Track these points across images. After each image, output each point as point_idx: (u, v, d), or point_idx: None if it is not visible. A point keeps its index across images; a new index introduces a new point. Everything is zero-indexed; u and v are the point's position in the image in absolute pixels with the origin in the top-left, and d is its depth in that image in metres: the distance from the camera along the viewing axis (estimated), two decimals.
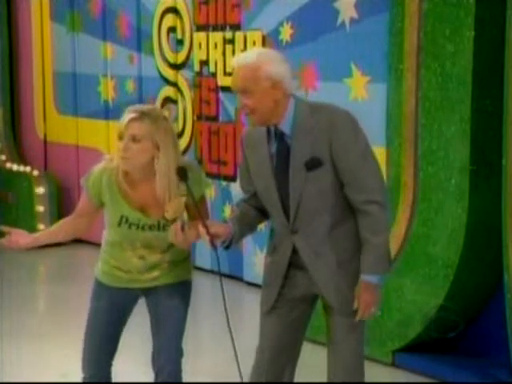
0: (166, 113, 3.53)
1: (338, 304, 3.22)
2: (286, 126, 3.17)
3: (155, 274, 3.46)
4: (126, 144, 3.30)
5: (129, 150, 3.30)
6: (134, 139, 3.30)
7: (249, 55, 3.19)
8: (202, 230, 3.17)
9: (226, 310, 3.27)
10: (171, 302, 3.49)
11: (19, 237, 3.51)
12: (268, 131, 3.22)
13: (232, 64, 3.22)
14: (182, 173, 3.28)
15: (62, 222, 3.57)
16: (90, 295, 3.57)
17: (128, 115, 3.33)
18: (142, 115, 3.31)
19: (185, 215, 3.44)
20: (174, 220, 3.36)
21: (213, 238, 3.17)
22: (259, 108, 3.13)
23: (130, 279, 3.47)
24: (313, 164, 3.13)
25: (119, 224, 3.38)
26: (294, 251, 3.24)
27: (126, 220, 3.37)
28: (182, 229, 3.22)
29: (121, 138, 3.33)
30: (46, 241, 3.59)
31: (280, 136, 3.19)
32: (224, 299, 3.27)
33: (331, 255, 3.21)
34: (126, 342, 3.63)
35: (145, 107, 3.40)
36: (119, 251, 3.46)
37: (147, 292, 3.50)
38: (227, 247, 3.25)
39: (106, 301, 3.51)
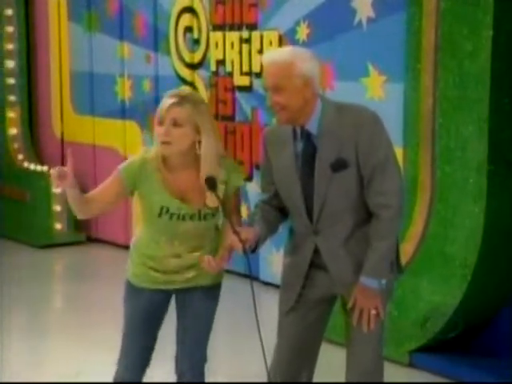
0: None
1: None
2: (312, 126, 3.16)
3: (192, 273, 3.40)
4: (168, 129, 3.24)
5: (170, 134, 3.23)
6: (176, 123, 3.24)
7: (281, 52, 3.18)
8: (233, 237, 3.15)
9: (256, 314, 3.25)
10: (203, 304, 3.45)
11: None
12: (293, 131, 3.22)
13: (263, 61, 3.21)
14: (212, 182, 3.25)
15: (91, 196, 3.40)
16: (124, 298, 3.51)
17: (168, 100, 3.27)
18: (183, 99, 3.26)
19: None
20: (215, 209, 3.32)
21: (244, 243, 3.15)
22: (290, 105, 3.11)
23: (167, 280, 3.41)
24: (338, 165, 3.13)
25: (160, 215, 3.30)
26: (315, 251, 3.23)
27: (167, 210, 3.28)
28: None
29: (161, 123, 3.25)
30: (75, 196, 3.35)
31: (306, 136, 3.18)
32: (255, 305, 3.25)
33: (352, 256, 3.20)
34: None
35: (184, 91, 3.35)
36: (155, 249, 3.38)
37: (180, 291, 3.45)
38: (253, 251, 3.23)
39: (143, 303, 3.44)
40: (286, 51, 3.18)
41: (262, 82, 3.19)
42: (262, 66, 3.28)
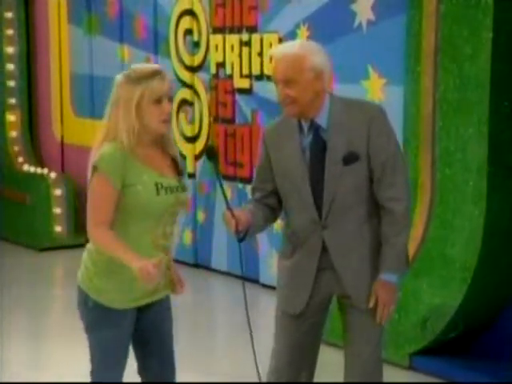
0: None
1: (367, 304, 3.20)
2: (322, 120, 3.17)
3: (162, 282, 3.17)
4: (168, 106, 3.11)
5: (169, 112, 3.12)
6: (170, 100, 3.13)
7: (292, 46, 3.18)
8: (227, 213, 3.11)
9: (247, 314, 3.24)
10: (171, 316, 3.28)
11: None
12: (299, 125, 3.21)
13: (272, 54, 3.20)
14: (213, 152, 3.23)
15: (116, 238, 3.04)
16: (93, 326, 3.14)
17: (158, 75, 3.09)
18: (165, 74, 3.13)
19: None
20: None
21: (237, 221, 3.09)
22: (301, 99, 3.11)
23: (152, 291, 3.12)
24: (350, 158, 3.14)
25: (158, 192, 3.07)
26: (323, 249, 3.21)
27: (162, 185, 3.08)
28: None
29: (159, 101, 3.07)
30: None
31: (315, 130, 3.18)
32: (246, 304, 3.23)
33: (360, 251, 3.21)
34: None
35: (154, 66, 3.19)
36: (148, 248, 3.08)
37: (147, 305, 3.19)
38: (242, 239, 3.15)
39: (125, 329, 3.13)
40: (297, 45, 3.18)
41: (272, 75, 3.18)
42: (271, 59, 3.27)
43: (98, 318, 3.13)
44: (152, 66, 3.20)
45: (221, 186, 3.24)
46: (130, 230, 3.08)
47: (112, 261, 3.05)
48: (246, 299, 3.24)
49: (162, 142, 3.19)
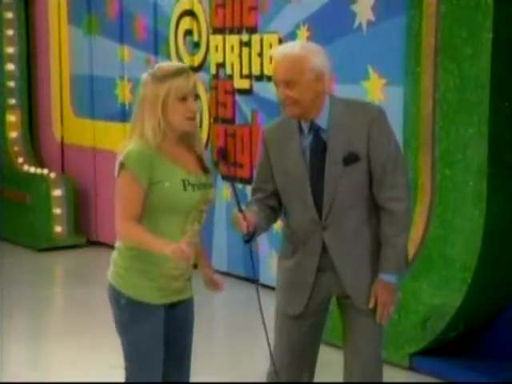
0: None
1: (367, 304, 3.20)
2: (322, 121, 3.18)
3: (188, 283, 3.23)
4: (193, 104, 3.09)
5: (196, 110, 3.12)
6: (196, 98, 3.13)
7: (293, 47, 3.19)
8: (238, 215, 3.11)
9: (262, 316, 3.22)
10: (193, 315, 3.32)
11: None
12: (299, 126, 3.22)
13: (273, 55, 3.21)
14: (225, 153, 3.21)
15: (145, 231, 3.06)
16: (127, 322, 3.12)
17: (184, 73, 3.09)
18: (190, 71, 3.13)
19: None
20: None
21: (249, 223, 3.10)
22: (302, 100, 3.13)
23: (179, 289, 3.18)
24: (350, 159, 3.15)
25: (185, 188, 3.08)
26: (323, 249, 3.21)
27: (189, 182, 3.10)
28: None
29: (184, 99, 3.08)
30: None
31: (315, 130, 3.19)
32: (260, 307, 3.22)
33: (360, 251, 3.22)
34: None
35: (179, 64, 3.23)
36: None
37: (178, 305, 3.23)
38: (249, 240, 3.16)
39: (159, 324, 3.15)
40: (297, 46, 3.19)
41: (273, 76, 3.18)
42: (272, 59, 3.28)
43: (131, 314, 3.12)
44: (177, 64, 3.23)
45: (233, 187, 3.28)
46: (158, 227, 3.10)
47: (141, 258, 3.10)
48: (260, 302, 3.22)
49: (187, 140, 3.19)
